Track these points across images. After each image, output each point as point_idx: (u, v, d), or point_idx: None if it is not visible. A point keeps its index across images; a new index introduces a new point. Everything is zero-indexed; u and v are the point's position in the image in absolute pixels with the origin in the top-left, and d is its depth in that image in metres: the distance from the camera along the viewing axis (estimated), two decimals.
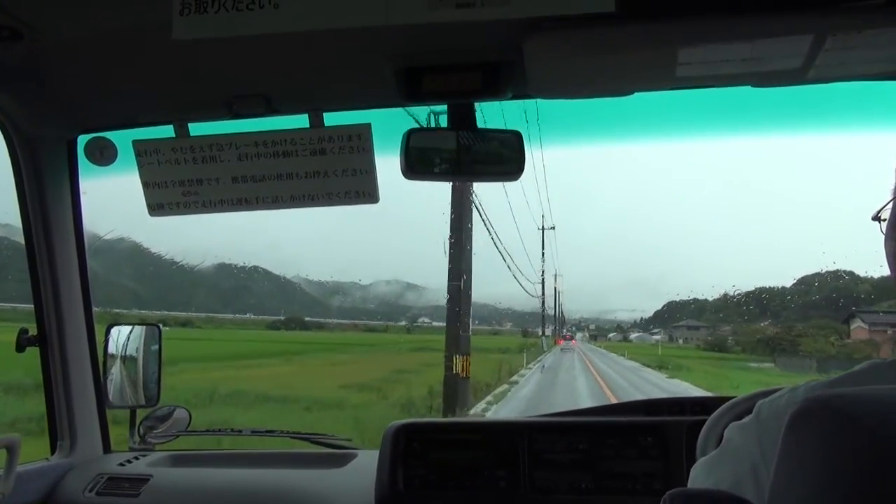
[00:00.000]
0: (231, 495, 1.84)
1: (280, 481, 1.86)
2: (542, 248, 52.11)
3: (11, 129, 1.75)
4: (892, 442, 0.50)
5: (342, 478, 1.87)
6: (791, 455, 0.58)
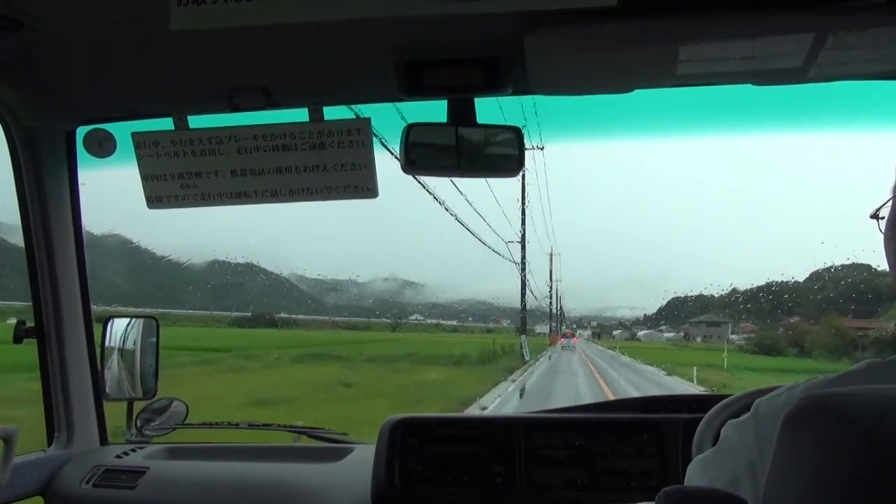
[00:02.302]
0: (227, 488, 1.85)
1: (276, 475, 1.87)
2: (523, 186, 38.88)
3: (10, 121, 1.75)
4: (888, 441, 0.50)
5: (338, 472, 1.87)
6: (786, 454, 0.58)
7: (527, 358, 27.52)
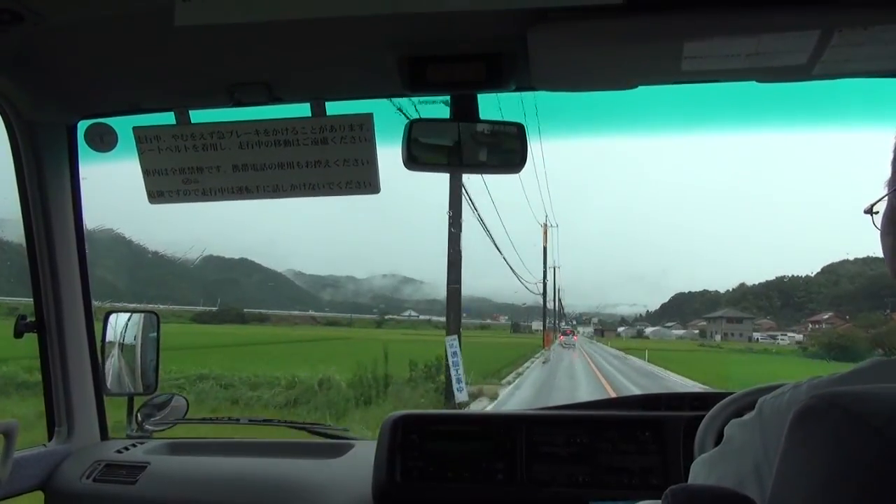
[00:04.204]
0: (228, 484, 1.85)
1: (277, 470, 1.87)
2: None
3: (11, 115, 1.74)
4: None
5: (339, 468, 1.87)
6: (795, 453, 0.58)
7: (460, 396, 10.95)
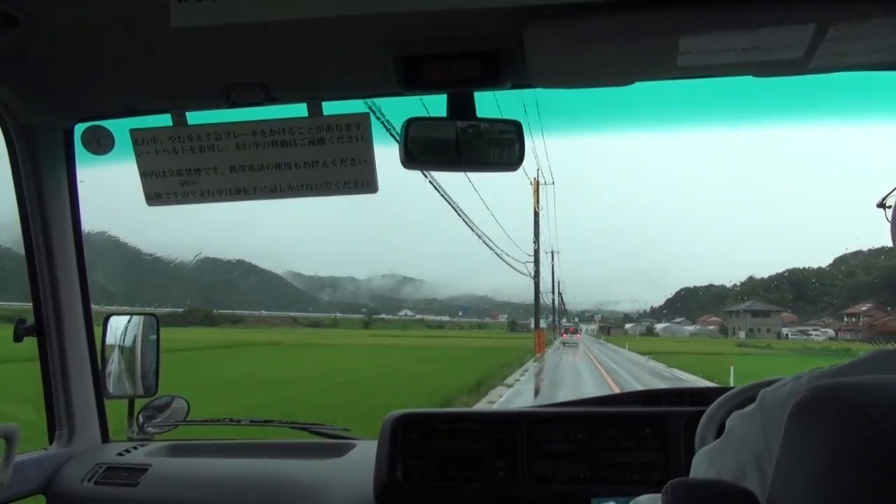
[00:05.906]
0: (230, 485, 1.85)
1: (279, 471, 1.87)
2: None
3: (8, 118, 1.74)
4: None
5: (341, 467, 1.87)
6: (795, 444, 0.58)
7: None
